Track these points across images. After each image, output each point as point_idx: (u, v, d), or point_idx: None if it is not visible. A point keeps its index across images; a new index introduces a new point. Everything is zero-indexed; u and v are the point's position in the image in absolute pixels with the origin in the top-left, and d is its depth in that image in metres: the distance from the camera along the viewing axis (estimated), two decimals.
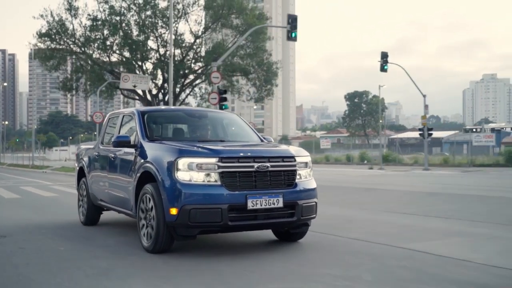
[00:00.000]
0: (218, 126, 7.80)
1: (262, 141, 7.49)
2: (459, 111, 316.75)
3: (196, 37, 43.05)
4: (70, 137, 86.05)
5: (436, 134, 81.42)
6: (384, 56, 31.05)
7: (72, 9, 40.46)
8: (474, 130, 79.53)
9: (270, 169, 5.91)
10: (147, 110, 7.52)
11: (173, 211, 5.63)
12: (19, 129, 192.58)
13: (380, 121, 63.95)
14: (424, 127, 32.75)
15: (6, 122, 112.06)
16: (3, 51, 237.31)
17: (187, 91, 46.15)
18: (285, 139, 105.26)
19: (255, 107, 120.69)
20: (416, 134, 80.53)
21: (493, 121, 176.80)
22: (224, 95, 22.69)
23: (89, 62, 42.40)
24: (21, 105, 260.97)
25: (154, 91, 44.52)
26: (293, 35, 20.36)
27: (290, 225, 6.29)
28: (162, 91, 44.88)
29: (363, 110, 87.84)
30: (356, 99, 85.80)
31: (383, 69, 30.88)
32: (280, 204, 5.85)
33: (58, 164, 42.94)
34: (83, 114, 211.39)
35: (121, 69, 43.97)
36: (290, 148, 6.49)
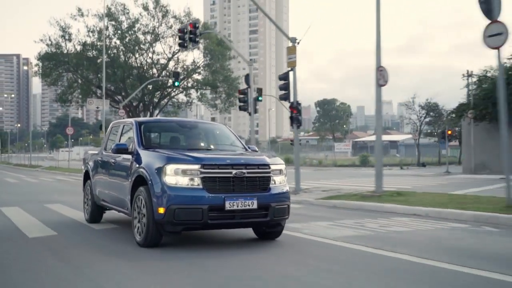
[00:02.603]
0: (207, 136, 8.56)
1: (246, 149, 8.15)
2: None
3: (169, 59, 52.04)
4: (72, 140, 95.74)
5: (398, 137, 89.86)
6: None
7: (66, 35, 49.66)
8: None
9: (247, 175, 6.54)
10: (143, 121, 8.24)
11: (161, 210, 6.26)
12: (33, 130, 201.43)
13: (344, 125, 72.60)
14: (296, 138, 41.58)
15: (18, 125, 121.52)
16: (18, 56, 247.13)
17: (166, 100, 55.41)
18: (274, 142, 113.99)
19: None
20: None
21: None
22: None
23: (81, 79, 51.61)
24: (35, 106, 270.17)
25: (135, 103, 53.85)
26: (176, 83, 29.79)
27: (264, 225, 6.97)
28: (141, 103, 54.09)
29: (332, 116, 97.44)
30: (325, 106, 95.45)
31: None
32: (255, 206, 6.48)
33: (54, 164, 51.59)
34: (93, 117, 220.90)
35: (108, 85, 53.36)
36: (266, 157, 7.15)
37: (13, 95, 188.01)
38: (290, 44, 14.66)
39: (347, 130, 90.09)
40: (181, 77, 52.60)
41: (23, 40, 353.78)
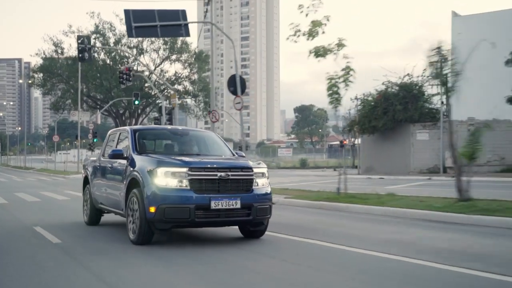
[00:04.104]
0: (198, 142, 9.10)
1: (233, 155, 8.67)
2: None
3: (151, 72, 57.93)
4: (68, 143, 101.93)
5: None
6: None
7: (58, 49, 55.61)
8: None
9: (231, 177, 7.14)
10: (138, 129, 8.88)
11: (152, 209, 6.90)
12: (34, 132, 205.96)
13: (320, 130, 78.33)
14: (241, 141, 47.08)
15: (19, 128, 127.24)
16: (19, 60, 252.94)
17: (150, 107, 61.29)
18: (261, 144, 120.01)
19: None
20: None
21: None
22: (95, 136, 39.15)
23: (72, 89, 57.41)
24: (37, 109, 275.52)
25: (121, 111, 59.73)
26: (137, 102, 35.49)
27: (248, 223, 7.61)
28: (127, 110, 59.96)
29: (309, 121, 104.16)
30: (304, 111, 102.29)
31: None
32: (238, 206, 7.09)
33: (48, 166, 56.25)
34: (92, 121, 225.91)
35: (97, 94, 59.23)
36: (249, 161, 7.85)
37: (11, 103, 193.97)
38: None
39: (323, 134, 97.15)
40: (163, 87, 58.78)
41: (24, 43, 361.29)
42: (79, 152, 40.86)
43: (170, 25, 14.30)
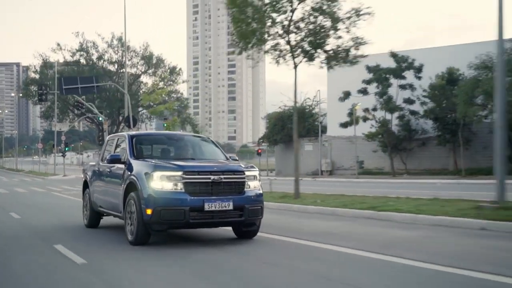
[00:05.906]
0: (193, 147, 9.50)
1: (227, 159, 8.97)
2: None
3: (130, 83, 65.51)
4: (60, 146, 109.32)
5: None
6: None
7: (46, 63, 62.80)
8: None
9: (223, 180, 7.52)
10: (135, 134, 9.29)
11: (149, 211, 7.26)
12: (32, 134, 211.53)
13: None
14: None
15: (16, 131, 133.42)
16: (17, 64, 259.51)
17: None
18: (244, 147, 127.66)
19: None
20: None
21: None
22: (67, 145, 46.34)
23: (59, 100, 64.99)
24: (35, 112, 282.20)
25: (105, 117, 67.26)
26: (101, 119, 43.29)
27: (240, 224, 7.96)
28: (110, 119, 67.38)
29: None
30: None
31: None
32: (231, 207, 7.46)
33: (37, 168, 61.63)
34: (85, 125, 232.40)
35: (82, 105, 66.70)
36: (242, 165, 8.23)
37: (6, 110, 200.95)
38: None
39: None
40: (141, 98, 66.38)
41: (23, 47, 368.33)
42: (55, 158, 48.31)
43: (86, 86, 22.39)
